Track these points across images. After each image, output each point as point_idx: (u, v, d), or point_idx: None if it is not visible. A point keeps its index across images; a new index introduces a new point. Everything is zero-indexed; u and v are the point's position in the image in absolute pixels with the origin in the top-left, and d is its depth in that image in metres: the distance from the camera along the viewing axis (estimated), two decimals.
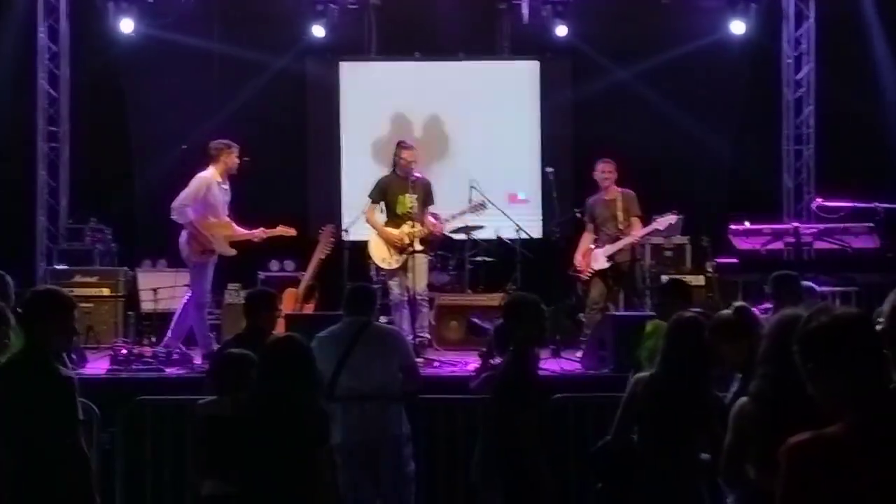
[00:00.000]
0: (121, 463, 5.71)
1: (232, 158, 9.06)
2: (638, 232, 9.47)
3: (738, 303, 4.83)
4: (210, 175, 8.96)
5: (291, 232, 9.23)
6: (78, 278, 10.44)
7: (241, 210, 12.64)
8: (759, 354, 3.87)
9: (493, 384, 5.26)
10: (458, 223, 9.75)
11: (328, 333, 5.85)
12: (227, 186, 9.15)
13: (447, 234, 9.84)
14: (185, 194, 8.86)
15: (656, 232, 9.70)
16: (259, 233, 9.19)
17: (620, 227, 9.48)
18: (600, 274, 9.49)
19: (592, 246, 9.56)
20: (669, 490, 4.61)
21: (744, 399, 3.87)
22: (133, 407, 5.80)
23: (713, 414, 4.53)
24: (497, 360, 5.64)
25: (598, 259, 9.48)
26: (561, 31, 11.81)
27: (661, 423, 4.61)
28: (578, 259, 9.65)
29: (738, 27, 11.90)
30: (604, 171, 9.63)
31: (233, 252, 9.09)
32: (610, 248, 9.44)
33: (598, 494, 5.08)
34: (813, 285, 7.20)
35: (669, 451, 4.62)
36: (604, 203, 9.63)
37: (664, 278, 9.57)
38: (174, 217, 8.83)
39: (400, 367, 5.77)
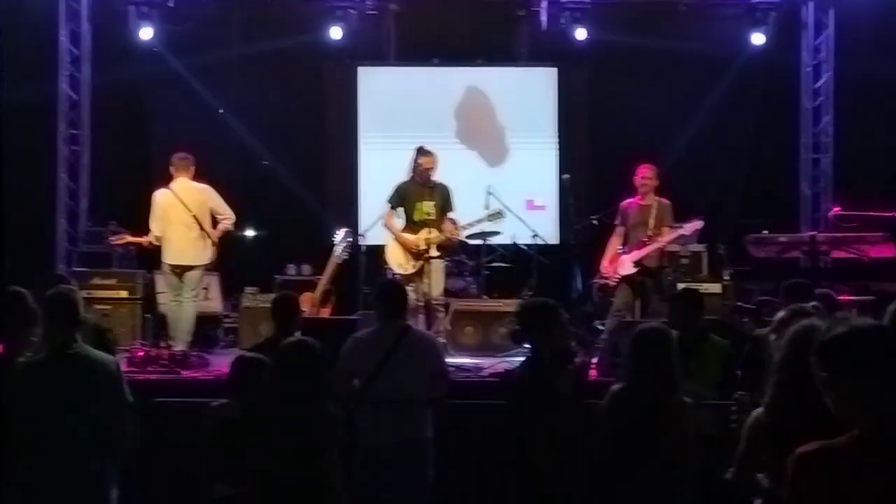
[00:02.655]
0: (136, 464, 5.75)
1: (193, 168, 9.59)
2: (665, 237, 9.36)
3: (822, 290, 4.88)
4: None
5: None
6: (97, 280, 10.49)
7: (258, 215, 12.77)
8: (774, 364, 3.87)
9: (507, 389, 5.25)
10: (476, 229, 9.77)
11: (367, 336, 5.85)
12: None
13: (464, 239, 9.85)
14: (225, 206, 9.50)
15: (682, 237, 9.64)
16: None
17: (650, 234, 9.39)
18: (627, 280, 9.41)
19: (621, 249, 9.49)
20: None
21: (758, 409, 3.87)
22: (149, 409, 5.85)
23: (681, 423, 4.53)
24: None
25: (625, 265, 9.40)
26: (579, 36, 11.80)
27: (630, 435, 4.58)
28: (605, 265, 9.54)
29: (757, 38, 11.87)
30: (645, 176, 9.43)
31: None
32: (637, 254, 9.36)
33: None
34: (831, 293, 7.17)
35: (643, 463, 4.59)
36: (639, 208, 9.47)
37: (680, 286, 9.57)
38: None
39: (431, 372, 5.79)
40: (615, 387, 4.72)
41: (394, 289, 6.22)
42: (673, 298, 6.66)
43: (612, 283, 9.53)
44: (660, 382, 4.55)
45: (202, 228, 9.31)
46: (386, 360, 5.63)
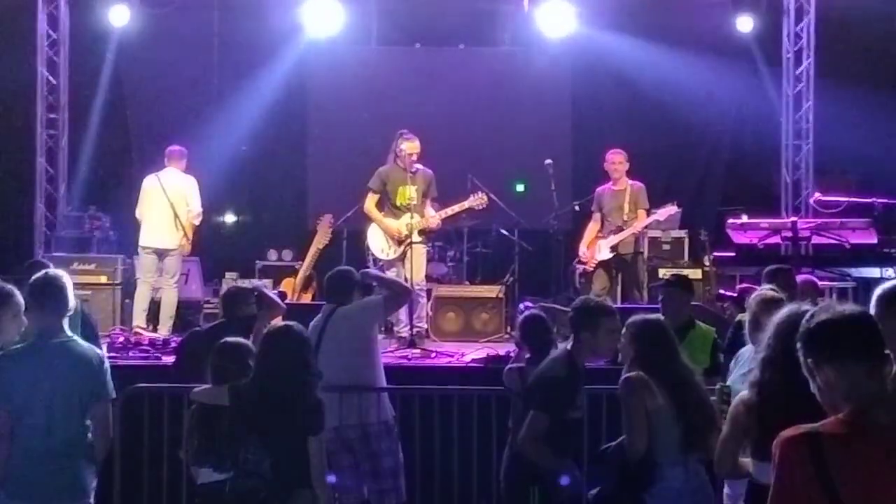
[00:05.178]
0: (117, 450, 5.71)
1: (185, 161, 9.96)
2: (639, 223, 9.47)
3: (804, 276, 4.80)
4: None
5: None
6: (76, 266, 10.38)
7: (242, 199, 12.72)
8: (761, 348, 3.88)
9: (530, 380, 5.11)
10: (458, 215, 9.73)
11: (312, 323, 5.86)
12: None
13: (443, 221, 9.77)
14: (197, 197, 9.78)
15: (656, 223, 9.70)
16: None
17: (626, 218, 9.49)
18: (603, 265, 9.50)
19: (599, 236, 9.57)
20: (693, 490, 4.56)
21: (744, 392, 3.87)
22: (129, 394, 5.81)
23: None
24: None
25: (602, 250, 9.50)
26: (563, 22, 11.77)
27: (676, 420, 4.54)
28: (583, 250, 9.66)
29: (744, 23, 11.88)
30: (614, 161, 9.59)
31: None
32: (613, 239, 9.46)
33: (597, 496, 4.98)
34: (814, 279, 7.21)
35: (693, 453, 4.57)
36: (612, 193, 9.62)
37: (662, 272, 9.61)
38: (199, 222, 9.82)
39: (384, 318, 5.79)
40: (632, 374, 4.63)
41: (333, 275, 6.22)
42: (665, 285, 6.63)
43: (589, 268, 9.62)
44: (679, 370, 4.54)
45: (176, 216, 9.62)
46: (318, 343, 5.63)
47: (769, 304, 4.64)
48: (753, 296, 5.00)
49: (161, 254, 9.69)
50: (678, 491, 4.49)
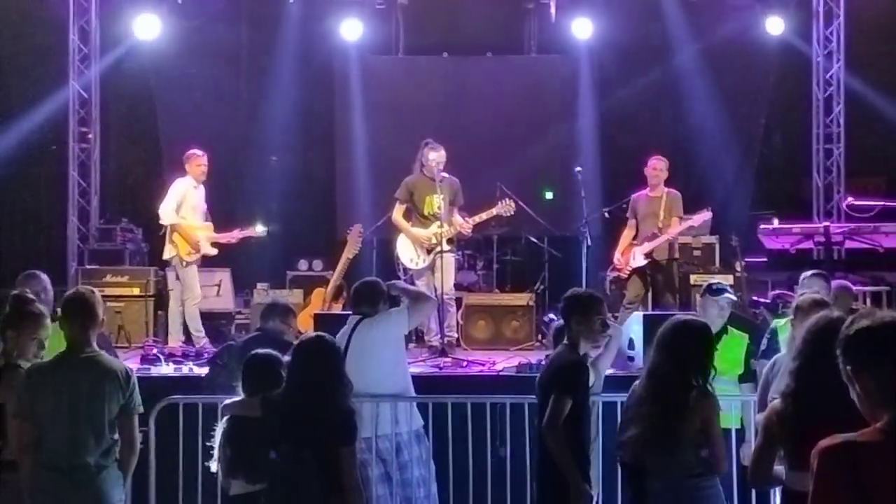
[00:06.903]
0: (152, 462, 5.75)
1: (194, 166, 9.49)
2: (673, 229, 9.43)
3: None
4: (186, 180, 9.46)
5: (257, 233, 9.75)
6: (108, 278, 10.47)
7: (271, 209, 12.77)
8: (793, 352, 3.85)
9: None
10: (486, 223, 9.72)
11: (340, 333, 5.87)
12: (201, 191, 9.62)
13: (472, 231, 9.77)
14: (166, 199, 9.38)
15: (691, 229, 9.66)
16: (236, 233, 9.67)
17: (660, 225, 9.45)
18: (638, 272, 9.47)
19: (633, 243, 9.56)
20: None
21: (776, 402, 3.83)
22: (164, 406, 5.84)
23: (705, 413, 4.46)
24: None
25: (636, 257, 9.47)
26: (588, 29, 11.77)
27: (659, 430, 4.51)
28: (618, 257, 9.63)
29: (774, 26, 11.80)
30: (656, 167, 9.56)
31: (214, 251, 9.55)
32: (648, 246, 9.43)
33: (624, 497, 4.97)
34: (849, 284, 7.16)
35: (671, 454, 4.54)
36: (648, 200, 9.57)
37: (693, 278, 9.59)
38: (162, 221, 9.37)
39: (409, 328, 5.88)
40: (637, 384, 4.64)
41: (360, 284, 6.23)
42: (704, 293, 6.58)
43: (623, 275, 9.59)
44: (702, 372, 4.50)
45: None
46: (344, 356, 5.63)
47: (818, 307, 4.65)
48: (803, 298, 4.99)
49: (168, 267, 9.55)
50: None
